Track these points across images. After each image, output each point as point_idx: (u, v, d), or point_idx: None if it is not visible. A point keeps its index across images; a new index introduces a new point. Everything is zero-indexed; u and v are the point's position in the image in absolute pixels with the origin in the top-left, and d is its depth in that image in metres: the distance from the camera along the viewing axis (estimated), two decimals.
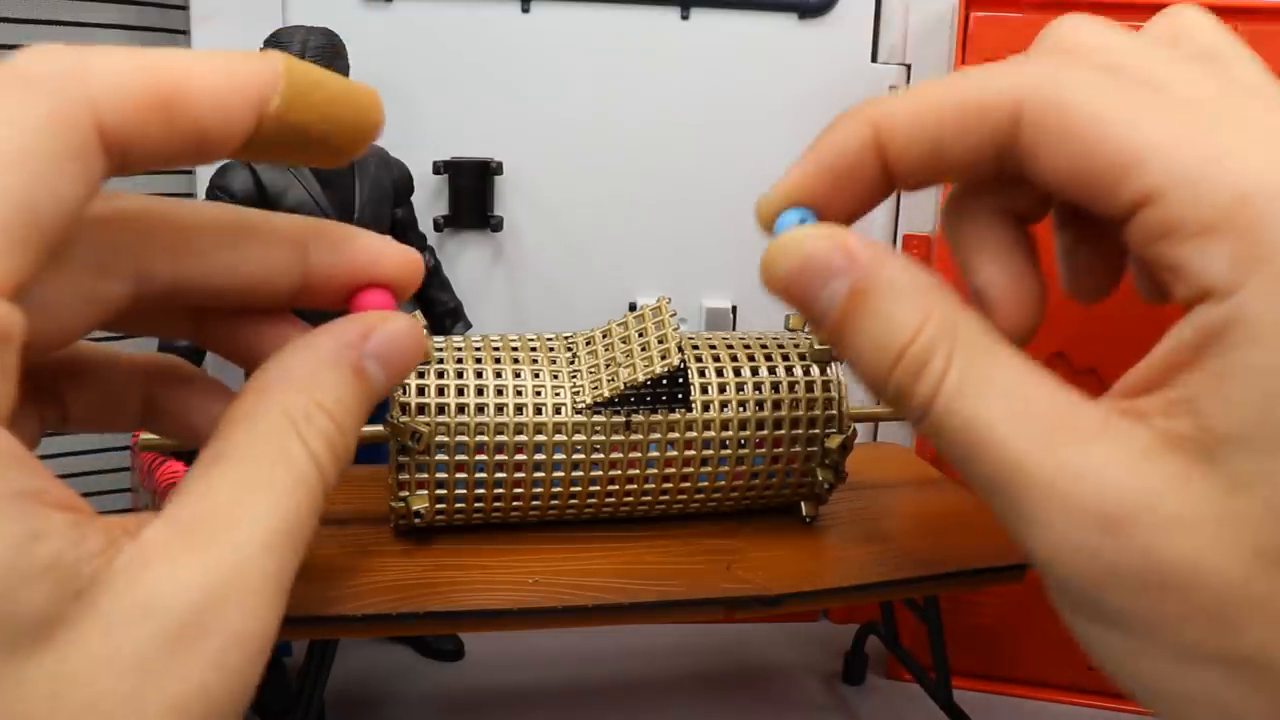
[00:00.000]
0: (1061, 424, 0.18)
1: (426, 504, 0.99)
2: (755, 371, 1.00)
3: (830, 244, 0.20)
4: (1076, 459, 0.17)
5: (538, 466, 0.95)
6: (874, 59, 1.06)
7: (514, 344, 1.05)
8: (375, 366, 0.20)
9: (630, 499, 1.07)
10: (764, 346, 1.01)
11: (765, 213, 0.22)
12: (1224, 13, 1.08)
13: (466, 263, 1.41)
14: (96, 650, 0.14)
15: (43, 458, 0.16)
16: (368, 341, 0.20)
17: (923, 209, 1.03)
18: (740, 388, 1.03)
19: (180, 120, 0.17)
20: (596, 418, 0.99)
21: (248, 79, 0.17)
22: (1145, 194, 0.18)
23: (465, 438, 0.95)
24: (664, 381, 0.99)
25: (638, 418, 0.99)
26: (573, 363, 1.05)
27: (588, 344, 1.05)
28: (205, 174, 1.15)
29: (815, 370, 1.01)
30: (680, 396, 1.02)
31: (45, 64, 0.15)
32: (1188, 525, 0.16)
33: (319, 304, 0.21)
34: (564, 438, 0.99)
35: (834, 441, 0.96)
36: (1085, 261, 0.24)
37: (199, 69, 0.17)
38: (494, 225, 1.65)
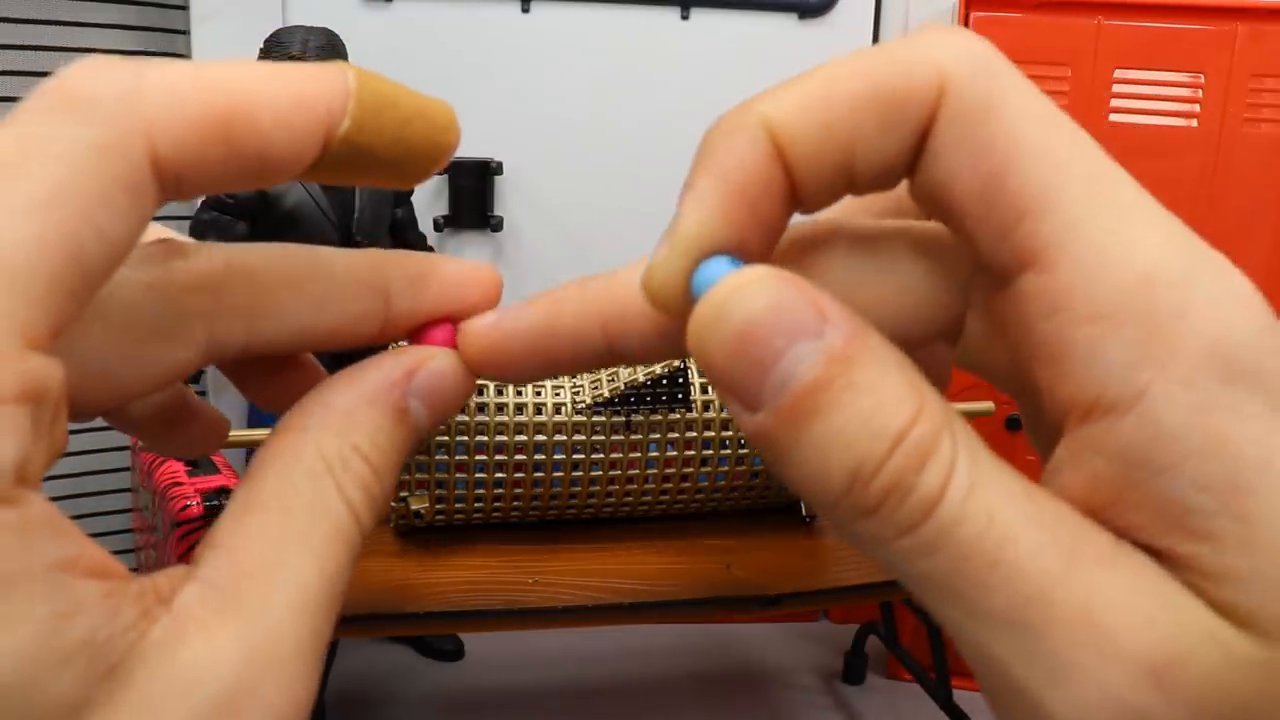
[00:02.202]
0: (1082, 541, 0.14)
1: (426, 504, 0.99)
2: None
3: (796, 294, 0.14)
4: (1107, 587, 0.14)
5: (538, 466, 0.95)
6: None
7: None
8: (419, 406, 0.18)
9: (630, 499, 1.07)
10: None
11: (672, 272, 0.16)
12: (1224, 13, 1.08)
13: None
14: None
15: None
16: (412, 380, 0.18)
17: None
18: None
19: (242, 144, 0.15)
20: (596, 418, 0.98)
21: (316, 98, 0.16)
22: (1038, 252, 0.15)
23: (465, 438, 0.95)
24: (664, 381, 0.98)
25: (638, 418, 0.98)
26: None
27: None
28: None
29: None
30: (680, 396, 1.02)
31: (96, 84, 0.14)
32: (1241, 674, 0.13)
33: (394, 339, 0.20)
34: (564, 438, 0.98)
35: None
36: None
37: (264, 87, 0.15)
38: (494, 225, 1.65)
